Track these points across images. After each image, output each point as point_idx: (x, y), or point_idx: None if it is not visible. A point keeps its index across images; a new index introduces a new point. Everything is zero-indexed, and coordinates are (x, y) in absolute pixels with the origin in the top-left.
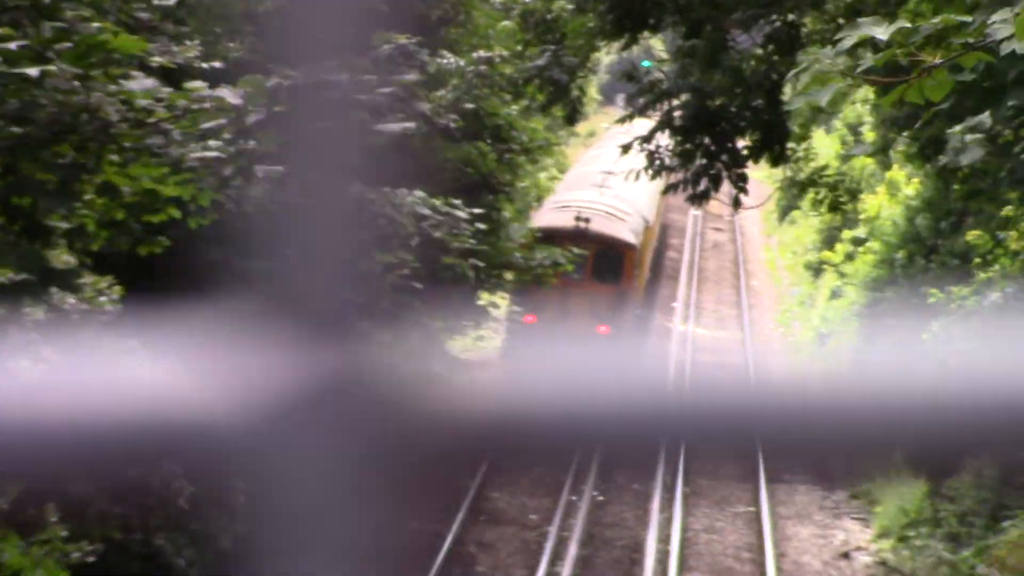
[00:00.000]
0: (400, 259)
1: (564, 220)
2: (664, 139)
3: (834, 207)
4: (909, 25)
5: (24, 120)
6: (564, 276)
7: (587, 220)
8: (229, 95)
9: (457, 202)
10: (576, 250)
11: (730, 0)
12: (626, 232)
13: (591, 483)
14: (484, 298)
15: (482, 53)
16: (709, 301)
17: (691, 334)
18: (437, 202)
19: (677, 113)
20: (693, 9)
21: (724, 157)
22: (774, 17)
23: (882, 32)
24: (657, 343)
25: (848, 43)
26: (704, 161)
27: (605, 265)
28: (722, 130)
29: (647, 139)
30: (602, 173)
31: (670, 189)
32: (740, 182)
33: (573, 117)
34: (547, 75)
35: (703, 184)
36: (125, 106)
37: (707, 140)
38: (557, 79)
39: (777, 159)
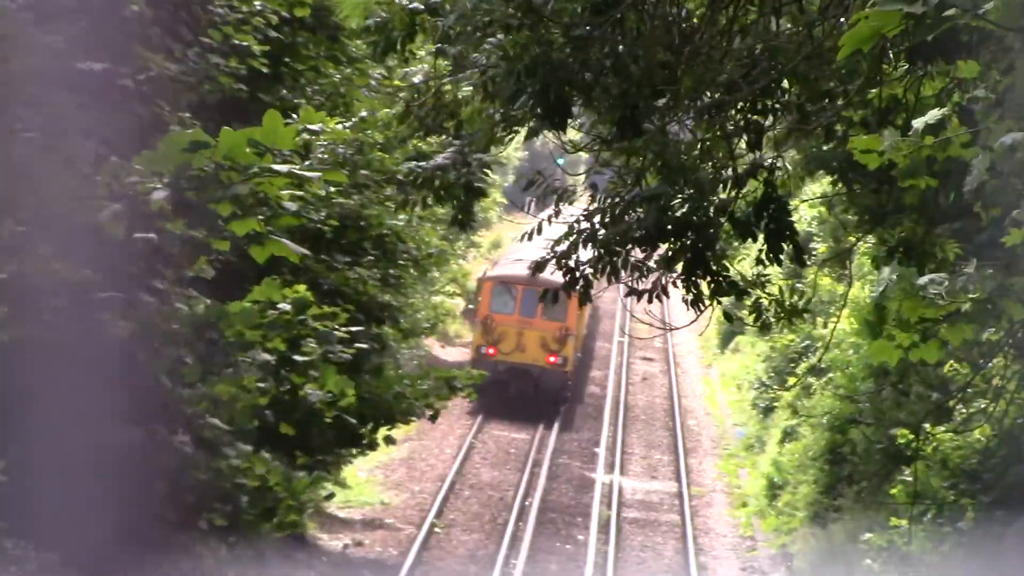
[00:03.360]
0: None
1: (519, 269)
2: (585, 253)
3: (781, 319)
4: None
5: None
6: (522, 315)
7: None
8: None
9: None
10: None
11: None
12: None
13: None
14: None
15: (353, 138)
16: (638, 446)
17: (617, 485)
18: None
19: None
20: (629, 96)
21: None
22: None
23: None
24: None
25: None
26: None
27: (553, 306)
28: (694, 239)
29: (565, 255)
30: (547, 239)
31: (636, 295)
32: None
33: (465, 221)
34: (449, 176)
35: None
36: None
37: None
38: (468, 183)
39: (799, 258)
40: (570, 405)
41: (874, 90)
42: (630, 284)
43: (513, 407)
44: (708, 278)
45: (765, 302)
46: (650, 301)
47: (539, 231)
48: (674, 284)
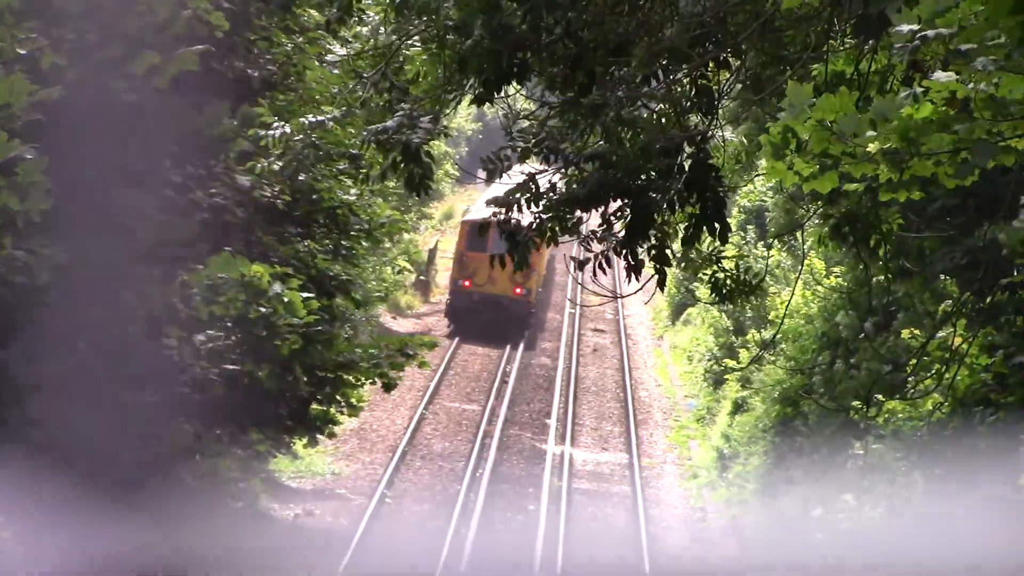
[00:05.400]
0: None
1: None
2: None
3: (736, 294)
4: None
5: None
6: (492, 252)
7: None
8: None
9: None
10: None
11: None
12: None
13: None
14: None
15: (312, 118)
16: (589, 417)
17: (568, 456)
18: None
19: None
20: (583, 61)
21: (644, 235)
22: (685, 69)
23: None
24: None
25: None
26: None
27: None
28: (639, 203)
29: (505, 219)
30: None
31: (582, 266)
32: (662, 263)
33: (421, 185)
34: (396, 139)
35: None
36: None
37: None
38: (408, 142)
39: (721, 236)
40: (520, 379)
41: (818, 65)
42: (577, 256)
43: (486, 332)
44: (648, 243)
45: (721, 276)
46: (594, 274)
47: (500, 177)
48: (614, 251)
